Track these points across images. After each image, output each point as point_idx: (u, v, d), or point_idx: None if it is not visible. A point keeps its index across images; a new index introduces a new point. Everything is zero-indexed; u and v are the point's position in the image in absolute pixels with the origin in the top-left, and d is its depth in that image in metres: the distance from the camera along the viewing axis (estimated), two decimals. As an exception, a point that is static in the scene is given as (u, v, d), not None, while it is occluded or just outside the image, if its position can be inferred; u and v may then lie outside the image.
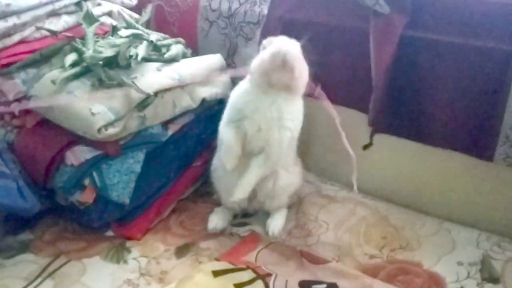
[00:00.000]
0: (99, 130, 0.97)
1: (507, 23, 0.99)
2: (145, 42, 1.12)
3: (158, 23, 1.46)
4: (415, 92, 1.09)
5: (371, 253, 1.01)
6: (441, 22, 1.04)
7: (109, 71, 1.04)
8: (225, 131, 1.01)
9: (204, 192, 1.23)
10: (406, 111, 1.11)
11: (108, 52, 1.04)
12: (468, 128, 1.06)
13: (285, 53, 0.91)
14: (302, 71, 0.95)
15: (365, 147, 1.18)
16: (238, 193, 0.98)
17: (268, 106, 0.97)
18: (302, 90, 0.99)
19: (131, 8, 1.39)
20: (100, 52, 1.03)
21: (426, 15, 1.06)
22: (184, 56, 1.21)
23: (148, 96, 1.03)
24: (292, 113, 0.99)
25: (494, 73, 1.00)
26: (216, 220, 1.10)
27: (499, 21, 0.99)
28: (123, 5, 1.36)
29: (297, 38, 1.22)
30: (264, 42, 0.99)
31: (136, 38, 1.12)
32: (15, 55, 1.10)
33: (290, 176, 1.09)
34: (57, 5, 1.18)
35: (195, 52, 1.34)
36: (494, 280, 0.94)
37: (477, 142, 1.06)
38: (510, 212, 1.07)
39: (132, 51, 1.07)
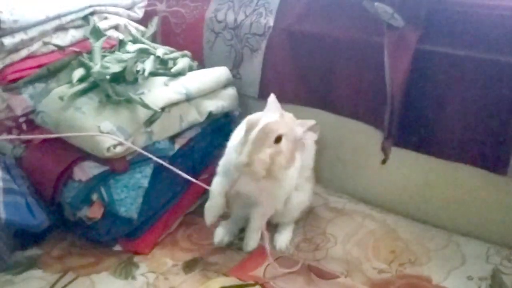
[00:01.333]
0: (107, 149, 0.97)
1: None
2: (151, 57, 1.12)
3: (164, 34, 1.46)
4: (428, 106, 1.09)
5: (380, 268, 1.01)
6: (455, 36, 1.03)
7: (116, 86, 1.04)
8: (216, 183, 1.01)
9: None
10: (419, 124, 1.10)
11: (115, 68, 1.04)
12: (482, 142, 1.05)
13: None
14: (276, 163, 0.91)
15: (383, 162, 1.15)
16: (251, 244, 1.05)
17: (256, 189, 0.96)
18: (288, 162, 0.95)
19: (138, 21, 1.39)
20: (107, 68, 1.04)
21: (440, 28, 1.05)
22: (191, 69, 1.22)
23: (155, 112, 1.04)
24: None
25: (508, 86, 0.99)
26: (222, 234, 1.09)
27: (509, 33, 0.99)
28: (130, 18, 1.36)
29: (303, 49, 1.24)
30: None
31: (143, 53, 1.13)
32: (22, 70, 1.11)
33: (301, 194, 1.08)
34: (64, 19, 1.19)
35: (201, 64, 1.35)
36: (506, 295, 0.93)
37: (491, 156, 1.04)
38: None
39: (139, 66, 1.08)
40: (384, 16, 1.08)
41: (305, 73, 1.26)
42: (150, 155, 1.00)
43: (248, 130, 0.90)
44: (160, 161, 1.00)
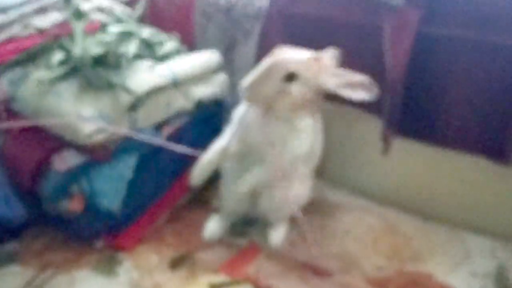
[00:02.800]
0: (87, 135, 0.91)
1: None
2: (136, 39, 1.05)
3: (153, 18, 1.39)
4: (431, 92, 1.03)
5: (379, 265, 0.96)
6: (459, 17, 0.98)
7: (98, 71, 0.97)
8: (219, 139, 0.95)
9: (201, 199, 1.17)
10: (422, 112, 1.05)
11: (97, 50, 0.97)
12: (486, 130, 1.00)
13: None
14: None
15: (384, 151, 1.09)
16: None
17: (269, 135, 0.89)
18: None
19: (124, 3, 1.33)
20: (88, 51, 0.97)
21: (443, 9, 0.99)
22: (178, 53, 1.15)
23: (139, 97, 0.97)
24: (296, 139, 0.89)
25: (509, 70, 0.93)
26: (213, 229, 1.03)
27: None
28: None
29: (299, 32, 1.17)
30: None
31: (127, 35, 1.06)
32: (2, 55, 1.05)
33: (301, 187, 1.00)
34: (45, 1, 1.12)
35: (192, 48, 1.28)
36: (511, 292, 0.88)
37: (495, 145, 1.00)
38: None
39: (123, 49, 1.01)
40: None
41: None
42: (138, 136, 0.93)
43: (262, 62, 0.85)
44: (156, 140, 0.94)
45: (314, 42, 1.14)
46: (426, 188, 1.10)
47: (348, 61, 1.11)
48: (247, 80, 0.84)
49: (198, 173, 0.94)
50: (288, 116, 0.87)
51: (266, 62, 0.85)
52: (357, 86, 0.86)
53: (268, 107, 0.85)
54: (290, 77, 0.83)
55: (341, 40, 1.10)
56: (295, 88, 0.84)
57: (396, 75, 1.01)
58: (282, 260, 0.97)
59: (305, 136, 0.90)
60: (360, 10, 1.08)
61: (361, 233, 1.03)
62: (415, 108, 1.05)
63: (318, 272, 0.94)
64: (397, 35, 1.01)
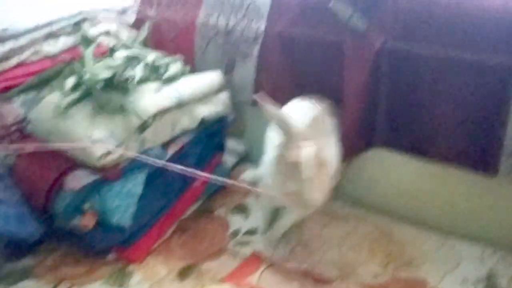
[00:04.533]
0: (99, 158, 0.96)
1: (505, 35, 0.98)
2: (142, 63, 1.11)
3: (156, 40, 1.44)
4: (415, 107, 1.09)
5: (375, 271, 1.00)
6: (440, 36, 1.03)
7: (109, 94, 1.03)
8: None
9: (206, 209, 1.22)
10: (408, 126, 1.10)
11: (105, 74, 1.03)
12: (470, 143, 1.05)
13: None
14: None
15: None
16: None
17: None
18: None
19: (129, 26, 1.39)
20: (97, 74, 1.03)
21: (423, 29, 1.05)
22: (183, 74, 1.21)
23: (147, 119, 1.03)
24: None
25: (494, 86, 0.99)
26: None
27: (497, 34, 0.98)
28: (121, 23, 1.36)
29: (297, 54, 1.23)
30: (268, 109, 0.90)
31: (133, 60, 1.12)
32: (13, 78, 1.10)
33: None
34: (54, 27, 1.18)
35: (193, 69, 1.34)
36: (500, 297, 0.93)
37: (480, 157, 1.05)
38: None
39: (129, 73, 1.07)
40: (343, 16, 1.07)
41: (299, 79, 1.25)
42: (146, 158, 0.99)
43: (296, 167, 0.88)
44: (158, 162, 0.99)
45: (312, 64, 1.21)
46: (419, 197, 1.15)
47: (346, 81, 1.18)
48: (314, 196, 0.90)
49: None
50: None
51: (303, 165, 0.88)
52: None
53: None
54: (323, 162, 0.92)
55: (337, 61, 1.17)
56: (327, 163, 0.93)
57: (349, 95, 1.11)
58: (284, 269, 1.02)
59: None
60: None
61: (357, 242, 1.08)
62: (403, 124, 1.11)
63: (317, 280, 0.99)
64: (354, 56, 1.09)
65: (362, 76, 1.08)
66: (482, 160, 1.05)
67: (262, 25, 1.27)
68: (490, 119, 1.02)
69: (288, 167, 0.88)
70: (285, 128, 0.90)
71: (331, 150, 0.98)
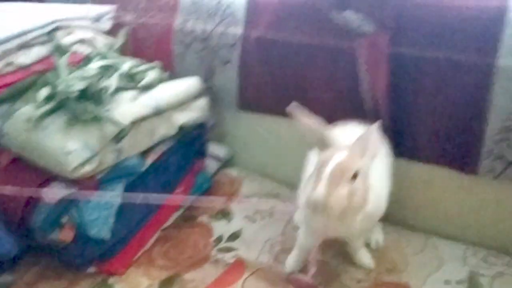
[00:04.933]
0: (74, 169, 0.95)
1: (483, 35, 0.98)
2: (117, 73, 1.10)
3: (134, 47, 1.43)
4: (398, 110, 1.09)
5: (358, 277, 1.00)
6: (421, 37, 1.04)
7: (83, 104, 1.02)
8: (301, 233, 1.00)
9: (189, 217, 1.21)
10: (390, 128, 1.10)
11: (79, 85, 1.02)
12: (452, 143, 1.05)
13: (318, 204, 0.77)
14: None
15: None
16: (366, 261, 1.03)
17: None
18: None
19: (106, 33, 1.37)
20: (71, 86, 1.01)
21: (407, 30, 1.05)
22: (161, 81, 1.20)
23: (123, 128, 1.02)
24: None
25: (474, 86, 1.00)
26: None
27: (475, 34, 0.99)
28: (97, 30, 1.34)
29: (277, 58, 1.22)
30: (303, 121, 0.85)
31: (108, 69, 1.10)
32: (-13, 91, 1.08)
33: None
34: (28, 36, 1.16)
35: (173, 76, 1.32)
36: (482, 298, 0.94)
37: (461, 156, 1.05)
38: (497, 225, 1.07)
39: (104, 83, 1.05)
40: (354, 24, 1.07)
41: (281, 83, 1.24)
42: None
43: (322, 167, 0.79)
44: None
45: (291, 67, 1.21)
46: (399, 199, 1.14)
47: (325, 85, 1.17)
48: (318, 192, 0.77)
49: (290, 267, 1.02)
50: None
51: (329, 168, 0.78)
52: (373, 143, 0.84)
53: (342, 215, 0.79)
54: (356, 175, 0.80)
55: (317, 65, 1.16)
56: (361, 185, 0.80)
57: (379, 96, 1.08)
58: (267, 276, 1.01)
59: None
60: (332, 35, 1.13)
61: (340, 248, 1.07)
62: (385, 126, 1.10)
63: (301, 286, 0.98)
64: (371, 59, 1.08)
65: (385, 77, 1.08)
66: (462, 159, 1.06)
67: (239, 31, 1.26)
68: (470, 119, 1.02)
69: (317, 169, 0.80)
70: (323, 142, 0.83)
71: (375, 174, 0.88)
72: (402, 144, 1.11)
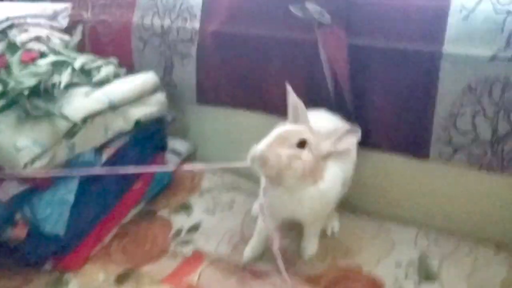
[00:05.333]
0: (25, 165, 0.94)
1: (429, 24, 1.01)
2: (69, 68, 1.09)
3: (93, 44, 1.43)
4: (359, 98, 1.12)
5: (314, 264, 1.02)
6: (372, 27, 1.07)
7: (34, 101, 1.01)
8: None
9: (148, 212, 1.21)
10: (352, 116, 1.12)
11: (30, 82, 1.01)
12: (405, 129, 1.09)
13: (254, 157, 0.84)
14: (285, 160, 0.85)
15: None
16: (309, 251, 1.04)
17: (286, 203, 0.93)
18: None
19: (63, 30, 1.36)
20: (22, 83, 1.01)
21: (359, 21, 1.08)
22: (116, 76, 1.20)
23: (75, 124, 1.01)
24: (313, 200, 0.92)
25: (422, 73, 1.03)
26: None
27: (422, 23, 1.02)
28: (53, 28, 1.33)
29: (234, 52, 1.23)
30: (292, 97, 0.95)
31: (60, 65, 1.10)
32: None
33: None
34: (-20, 34, 1.15)
35: (132, 71, 1.32)
36: (431, 278, 0.96)
37: (413, 142, 1.08)
38: (446, 207, 1.10)
39: (56, 79, 1.05)
40: (315, 15, 1.10)
41: (239, 76, 1.26)
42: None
43: (273, 131, 0.88)
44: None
45: (248, 60, 1.22)
46: (356, 187, 1.16)
47: (282, 77, 1.18)
48: (258, 147, 0.83)
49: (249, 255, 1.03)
50: (294, 188, 0.89)
51: (275, 131, 0.87)
52: (344, 136, 0.90)
53: (277, 177, 0.86)
54: (302, 143, 0.86)
55: (273, 57, 1.18)
56: (306, 154, 0.86)
57: (341, 82, 1.11)
58: (223, 266, 1.02)
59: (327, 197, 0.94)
60: (288, 27, 1.15)
61: (297, 234, 1.08)
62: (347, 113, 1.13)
63: (257, 274, 0.99)
64: (332, 47, 1.10)
65: (345, 64, 1.11)
66: (414, 145, 1.09)
67: (196, 25, 1.27)
68: (419, 105, 1.05)
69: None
70: (300, 117, 0.92)
71: (344, 166, 0.97)
72: (363, 132, 1.12)
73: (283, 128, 0.88)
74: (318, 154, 0.88)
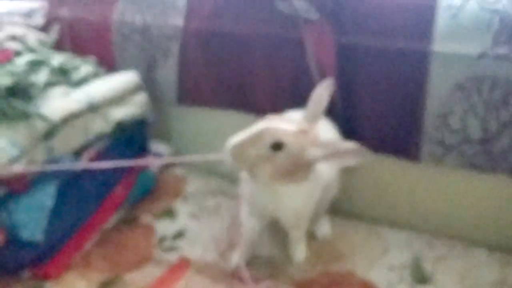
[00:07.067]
0: (1, 168, 0.89)
1: (417, 22, 1.00)
2: (47, 68, 1.04)
3: (73, 42, 1.38)
4: (347, 98, 1.09)
5: (305, 268, 0.99)
6: (359, 25, 1.05)
7: (11, 101, 0.96)
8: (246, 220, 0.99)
9: (130, 218, 1.16)
10: (339, 116, 1.10)
11: (6, 81, 0.96)
12: (394, 130, 1.06)
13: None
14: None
15: None
16: (299, 255, 1.02)
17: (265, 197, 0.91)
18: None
19: (40, 28, 1.31)
20: (-2, 82, 0.96)
21: (347, 18, 1.06)
22: (95, 75, 1.15)
23: (53, 125, 0.96)
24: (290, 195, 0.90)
25: (411, 72, 1.01)
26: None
27: (410, 20, 1.00)
28: (29, 26, 1.28)
29: (217, 50, 1.20)
30: None
31: (37, 64, 1.05)
32: None
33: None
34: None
35: (113, 70, 1.28)
36: (425, 281, 0.94)
37: (404, 143, 1.06)
38: (440, 209, 1.08)
39: (33, 78, 1.00)
40: (301, 11, 1.07)
41: (222, 75, 1.22)
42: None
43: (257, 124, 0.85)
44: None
45: (232, 59, 1.18)
46: (347, 190, 1.14)
47: (267, 75, 1.16)
48: (234, 139, 0.82)
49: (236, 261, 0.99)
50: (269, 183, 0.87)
51: (257, 126, 0.84)
52: (345, 154, 0.85)
53: (250, 172, 0.85)
54: (278, 146, 0.82)
55: (258, 56, 1.15)
56: (280, 158, 0.82)
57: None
58: (211, 272, 0.98)
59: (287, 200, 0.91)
60: (273, 25, 1.12)
61: (287, 242, 1.05)
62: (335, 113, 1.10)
63: (245, 280, 0.96)
64: (320, 45, 1.07)
65: (332, 63, 1.08)
66: (405, 146, 1.07)
67: (180, 22, 1.23)
68: (409, 105, 1.03)
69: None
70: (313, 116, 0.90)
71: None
72: (351, 133, 1.10)
73: (264, 124, 0.84)
74: (301, 159, 0.84)
